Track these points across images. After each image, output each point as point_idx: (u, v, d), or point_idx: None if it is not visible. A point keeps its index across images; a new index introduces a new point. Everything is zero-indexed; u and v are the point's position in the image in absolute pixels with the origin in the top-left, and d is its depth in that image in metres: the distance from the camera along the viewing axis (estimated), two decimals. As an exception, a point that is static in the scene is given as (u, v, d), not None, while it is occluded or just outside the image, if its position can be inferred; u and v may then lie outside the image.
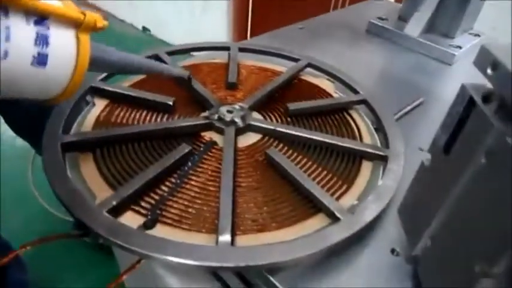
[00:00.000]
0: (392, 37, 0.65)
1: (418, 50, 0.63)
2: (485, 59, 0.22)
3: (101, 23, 0.27)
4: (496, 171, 0.20)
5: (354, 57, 0.61)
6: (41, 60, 0.23)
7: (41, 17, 0.23)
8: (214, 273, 0.34)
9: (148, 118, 0.40)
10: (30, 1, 0.22)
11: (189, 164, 0.35)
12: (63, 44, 0.25)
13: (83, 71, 0.27)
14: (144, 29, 2.13)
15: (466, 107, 0.23)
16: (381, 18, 0.68)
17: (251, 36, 2.03)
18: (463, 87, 0.23)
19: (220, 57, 0.52)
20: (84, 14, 0.26)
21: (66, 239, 0.31)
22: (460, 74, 0.60)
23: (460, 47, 0.61)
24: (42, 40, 0.23)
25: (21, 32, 0.22)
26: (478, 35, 0.66)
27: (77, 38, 0.26)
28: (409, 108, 0.48)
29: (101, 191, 0.32)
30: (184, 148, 0.35)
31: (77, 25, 0.26)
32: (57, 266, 0.92)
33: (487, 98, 0.22)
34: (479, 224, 0.21)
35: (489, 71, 0.21)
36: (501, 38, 0.68)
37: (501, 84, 0.20)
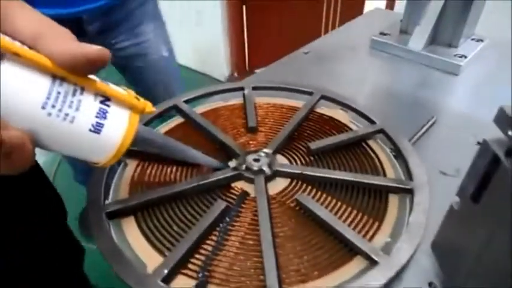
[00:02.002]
0: (396, 52, 0.67)
1: (424, 63, 0.64)
2: (504, 120, 0.23)
3: (150, 108, 0.33)
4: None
5: (361, 79, 0.63)
6: (97, 128, 0.29)
7: (106, 97, 0.30)
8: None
9: (179, 174, 0.42)
10: (102, 87, 0.29)
11: (227, 219, 0.37)
12: (117, 120, 0.31)
13: (127, 143, 0.31)
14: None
15: (490, 162, 0.24)
16: (383, 34, 0.70)
17: (249, 46, 2.06)
18: (485, 143, 0.25)
19: (235, 98, 0.54)
20: (138, 99, 0.32)
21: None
22: (468, 84, 0.61)
23: (465, 56, 0.62)
24: (102, 114, 0.29)
25: (88, 106, 0.28)
26: (481, 40, 0.67)
27: (129, 117, 0.31)
28: (423, 130, 0.50)
29: (149, 258, 0.34)
30: (220, 205, 0.37)
31: (130, 107, 0.31)
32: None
33: (510, 151, 0.24)
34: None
35: (510, 132, 0.23)
36: (502, 35, 0.69)
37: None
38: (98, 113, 0.29)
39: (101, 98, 0.29)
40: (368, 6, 1.84)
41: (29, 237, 0.57)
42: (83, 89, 0.28)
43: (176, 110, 0.51)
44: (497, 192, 0.25)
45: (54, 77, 0.26)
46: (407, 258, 0.32)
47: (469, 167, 0.27)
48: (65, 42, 0.26)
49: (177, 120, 0.50)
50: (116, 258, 0.33)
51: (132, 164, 0.44)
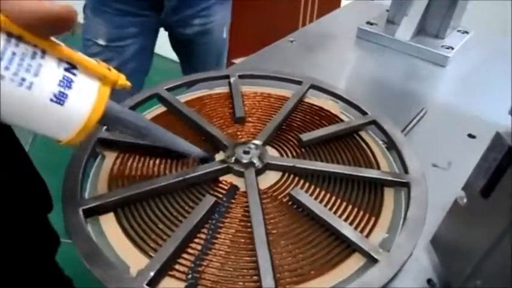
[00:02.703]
0: (383, 42, 0.66)
1: (411, 53, 0.63)
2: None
3: (123, 81, 0.29)
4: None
5: (348, 69, 0.62)
6: (60, 98, 0.26)
7: (72, 65, 0.26)
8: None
9: (162, 167, 0.40)
10: (68, 53, 0.26)
11: (216, 215, 0.35)
12: (84, 91, 0.27)
13: (95, 118, 0.28)
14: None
15: (505, 155, 0.23)
16: (369, 23, 0.68)
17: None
18: (498, 135, 0.24)
19: (220, 86, 0.51)
20: (110, 70, 0.29)
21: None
22: (455, 76, 0.61)
23: (452, 48, 0.62)
24: (66, 83, 0.26)
25: (50, 72, 0.25)
26: (467, 32, 0.67)
27: (98, 89, 0.28)
28: (415, 121, 0.49)
29: (132, 259, 0.31)
30: (209, 200, 0.35)
31: (101, 78, 0.28)
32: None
33: (524, 145, 0.23)
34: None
35: (528, 124, 0.22)
36: (487, 31, 0.69)
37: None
38: (61, 81, 0.25)
39: (66, 65, 0.26)
40: (343, 1, 1.83)
41: (4, 226, 0.55)
42: (44, 53, 0.25)
43: (158, 98, 0.48)
44: (510, 187, 0.23)
45: (10, 35, 0.23)
46: (408, 255, 0.31)
47: (479, 160, 0.26)
48: None
49: (159, 109, 0.47)
50: (95, 260, 0.30)
51: (110, 156, 0.40)
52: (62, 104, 0.26)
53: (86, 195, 0.37)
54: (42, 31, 0.24)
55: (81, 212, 0.33)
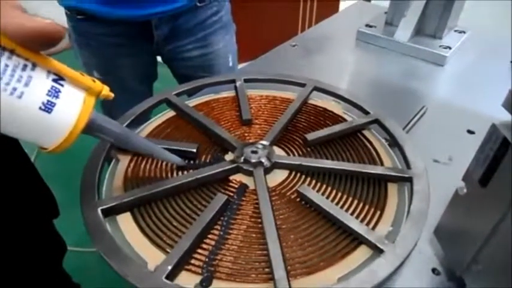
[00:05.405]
0: (382, 44, 0.67)
1: (410, 54, 0.65)
2: (515, 103, 0.24)
3: (106, 91, 0.32)
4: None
5: (349, 71, 0.63)
6: (48, 107, 0.28)
7: (59, 77, 0.29)
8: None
9: (175, 167, 0.41)
10: (56, 65, 0.28)
11: (228, 213, 0.36)
12: (70, 100, 0.29)
13: (81, 126, 0.30)
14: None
15: (500, 146, 0.25)
16: (369, 26, 0.70)
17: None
18: (494, 127, 0.25)
19: (226, 91, 0.53)
20: (94, 81, 0.31)
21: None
22: (453, 74, 0.62)
23: (450, 47, 0.63)
24: (54, 92, 0.28)
25: (39, 83, 0.27)
26: (464, 32, 0.68)
27: (84, 99, 0.30)
28: (416, 119, 0.50)
29: (149, 255, 0.33)
30: (221, 198, 0.36)
31: (86, 89, 0.30)
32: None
33: (519, 135, 0.24)
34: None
35: (521, 115, 0.23)
36: (486, 29, 0.71)
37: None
38: (49, 91, 0.28)
39: (54, 77, 0.28)
40: (342, 5, 1.85)
41: (14, 234, 0.56)
42: (34, 65, 0.27)
43: (167, 103, 0.49)
44: (506, 176, 0.25)
45: (3, 49, 0.25)
46: (413, 245, 0.32)
47: (477, 151, 0.27)
48: (13, 13, 0.25)
49: (169, 113, 0.49)
50: (116, 257, 0.32)
51: (124, 160, 0.42)
52: (49, 112, 0.28)
53: (103, 196, 0.38)
54: (33, 46, 0.26)
55: (99, 212, 0.35)
